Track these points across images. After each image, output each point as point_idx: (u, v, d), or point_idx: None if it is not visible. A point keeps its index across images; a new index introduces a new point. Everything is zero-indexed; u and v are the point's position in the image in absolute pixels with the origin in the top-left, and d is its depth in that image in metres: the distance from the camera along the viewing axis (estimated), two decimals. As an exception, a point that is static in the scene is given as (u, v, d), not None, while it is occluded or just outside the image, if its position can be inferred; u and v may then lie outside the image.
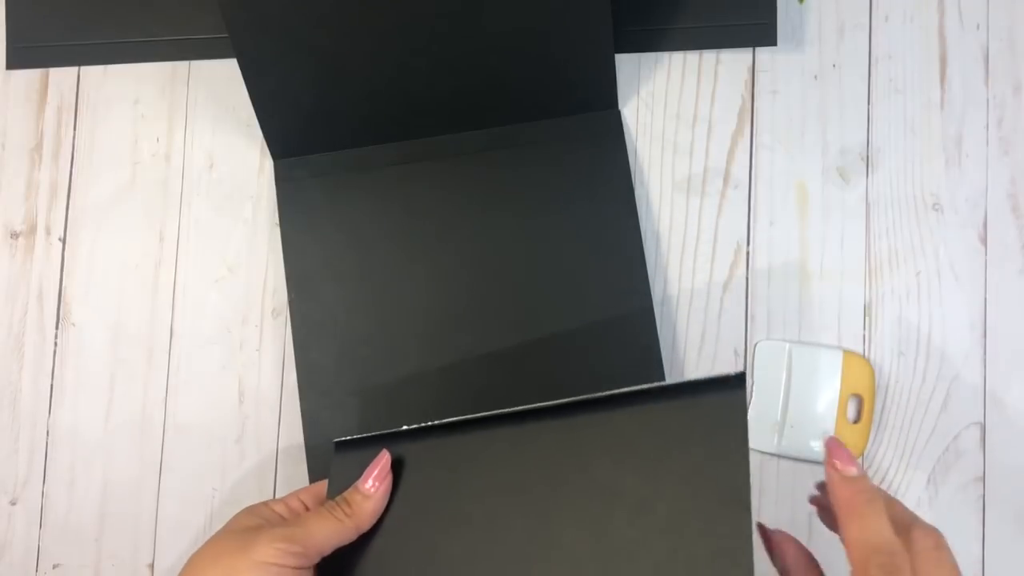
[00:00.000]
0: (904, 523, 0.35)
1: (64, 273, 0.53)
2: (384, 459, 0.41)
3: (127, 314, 0.52)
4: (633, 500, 0.36)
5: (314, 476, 0.49)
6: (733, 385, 0.36)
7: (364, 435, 0.44)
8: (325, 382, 0.49)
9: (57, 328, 0.53)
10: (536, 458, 0.39)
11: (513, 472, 0.39)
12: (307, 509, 0.43)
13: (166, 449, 0.51)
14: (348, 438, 0.44)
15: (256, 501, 0.44)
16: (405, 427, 0.43)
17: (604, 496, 0.37)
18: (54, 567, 0.51)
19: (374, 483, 0.41)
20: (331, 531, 0.39)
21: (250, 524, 0.40)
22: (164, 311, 0.52)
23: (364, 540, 0.41)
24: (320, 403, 0.49)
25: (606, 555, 0.36)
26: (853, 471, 0.36)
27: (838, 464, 0.36)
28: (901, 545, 0.34)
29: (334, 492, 0.42)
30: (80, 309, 0.53)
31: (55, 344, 0.53)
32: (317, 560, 0.39)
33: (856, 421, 0.48)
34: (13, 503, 0.52)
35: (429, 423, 0.43)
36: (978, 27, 0.50)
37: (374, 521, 0.41)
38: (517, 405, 0.41)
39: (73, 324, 0.53)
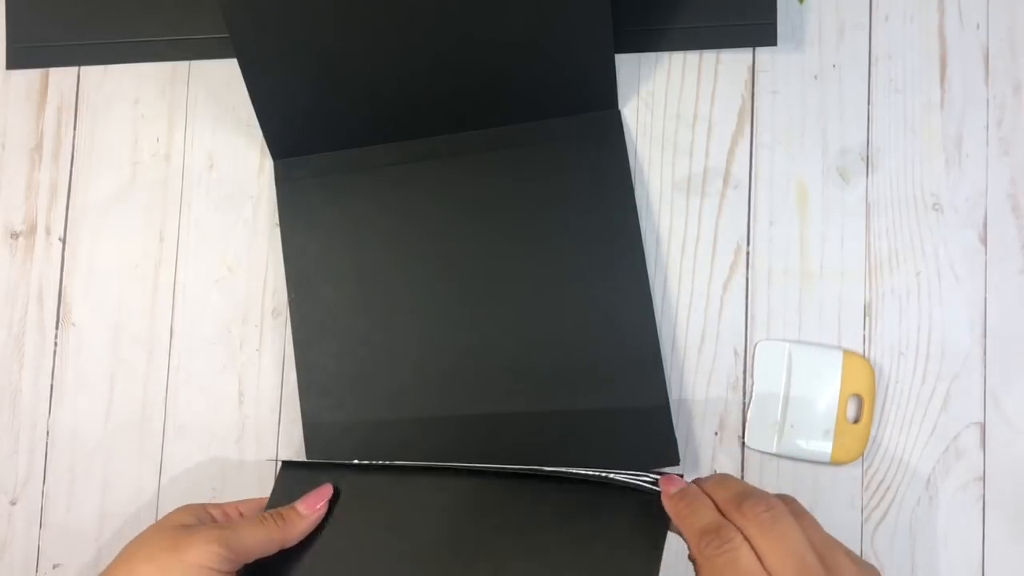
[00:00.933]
0: (739, 498, 0.35)
1: (64, 273, 0.53)
2: (326, 491, 0.43)
3: (127, 314, 0.52)
4: (553, 571, 0.39)
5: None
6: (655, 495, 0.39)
7: (313, 461, 0.46)
8: (325, 382, 0.49)
9: (57, 328, 0.53)
10: (476, 515, 0.42)
11: (452, 523, 0.42)
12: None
13: (166, 449, 0.51)
14: (297, 460, 0.46)
15: (256, 501, 0.45)
16: (355, 461, 0.45)
17: (532, 559, 0.40)
18: (54, 567, 0.51)
19: (310, 507, 0.42)
20: (260, 539, 0.40)
21: (185, 522, 0.41)
22: (164, 311, 0.52)
23: (292, 557, 0.42)
24: (320, 403, 0.49)
25: None
26: (679, 486, 0.38)
27: (666, 488, 0.38)
28: (725, 520, 0.35)
29: (272, 507, 0.43)
30: (80, 309, 0.53)
31: (55, 344, 0.53)
32: (241, 566, 0.40)
33: (856, 421, 0.48)
34: (13, 503, 0.52)
35: (378, 462, 0.45)
36: (978, 27, 0.50)
37: (299, 539, 0.42)
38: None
39: (73, 324, 0.53)
